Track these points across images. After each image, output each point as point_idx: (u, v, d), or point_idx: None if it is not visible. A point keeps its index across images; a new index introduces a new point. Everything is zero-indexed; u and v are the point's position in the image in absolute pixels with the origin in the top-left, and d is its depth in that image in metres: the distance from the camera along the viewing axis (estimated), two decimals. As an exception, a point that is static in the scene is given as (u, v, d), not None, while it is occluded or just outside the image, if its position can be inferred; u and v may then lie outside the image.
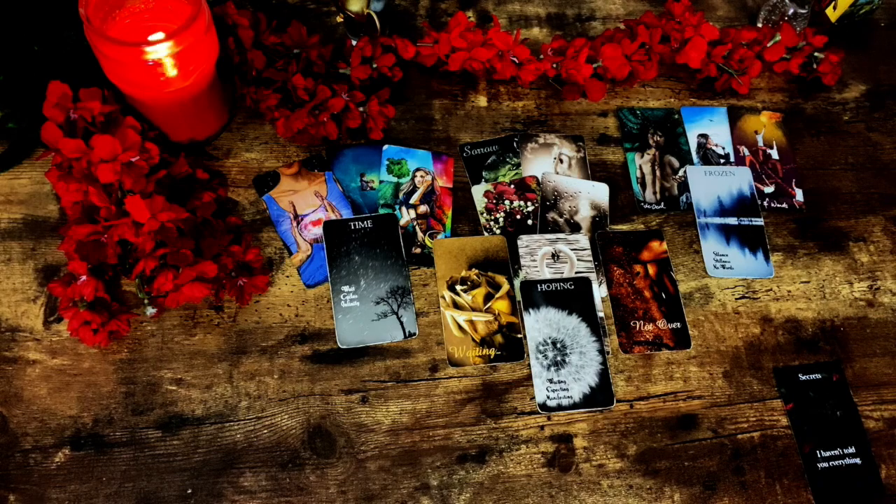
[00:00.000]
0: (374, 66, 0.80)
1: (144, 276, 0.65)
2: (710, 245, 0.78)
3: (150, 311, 0.67)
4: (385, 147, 0.79)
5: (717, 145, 0.85)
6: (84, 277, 0.63)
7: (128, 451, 0.63)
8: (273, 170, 0.77)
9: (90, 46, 0.64)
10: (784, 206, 0.82)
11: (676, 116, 0.86)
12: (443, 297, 0.72)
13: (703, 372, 0.72)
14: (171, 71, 0.65)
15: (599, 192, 0.80)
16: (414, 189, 0.77)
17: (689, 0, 0.87)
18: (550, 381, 0.69)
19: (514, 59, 0.82)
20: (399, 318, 0.71)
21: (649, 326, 0.73)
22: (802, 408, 0.70)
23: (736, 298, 0.76)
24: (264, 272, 0.70)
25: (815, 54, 0.88)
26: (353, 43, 0.81)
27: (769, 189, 0.83)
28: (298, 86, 0.75)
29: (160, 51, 0.62)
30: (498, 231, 0.76)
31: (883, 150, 0.87)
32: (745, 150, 0.85)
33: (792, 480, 0.68)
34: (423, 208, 0.77)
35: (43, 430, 0.63)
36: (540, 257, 0.75)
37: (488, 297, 0.72)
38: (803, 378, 0.71)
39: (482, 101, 0.84)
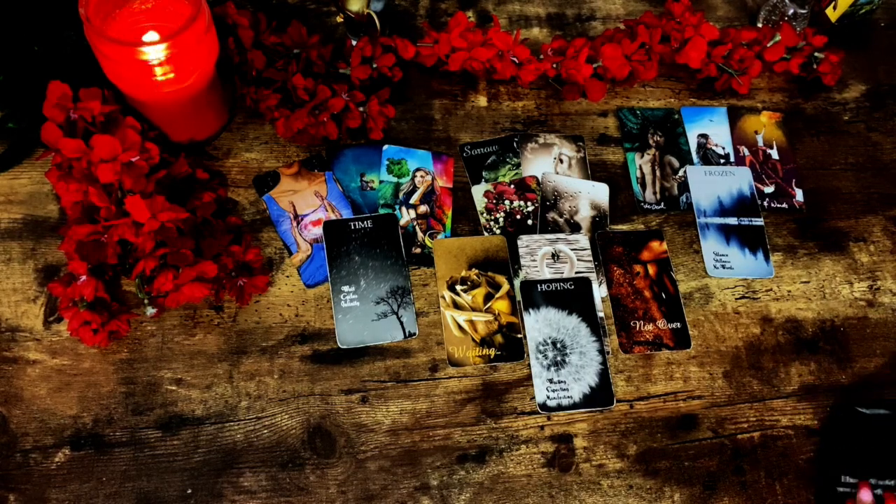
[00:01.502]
0: (374, 66, 0.80)
1: (144, 276, 0.65)
2: (710, 245, 0.78)
3: (150, 311, 0.67)
4: (385, 147, 0.79)
5: (717, 145, 0.85)
6: (84, 277, 0.63)
7: (128, 451, 0.63)
8: (273, 170, 0.77)
9: (90, 46, 0.64)
10: (784, 206, 0.82)
11: (676, 116, 0.86)
12: (443, 297, 0.72)
13: (703, 372, 0.72)
14: (170, 71, 0.65)
15: (599, 192, 0.80)
16: (414, 189, 0.77)
17: (689, 0, 0.87)
18: (550, 381, 0.69)
19: (514, 59, 0.82)
20: (399, 318, 0.71)
21: (649, 326, 0.73)
22: (850, 439, 0.69)
23: (736, 298, 0.76)
24: (264, 272, 0.70)
25: (815, 54, 0.88)
26: (353, 43, 0.81)
27: (769, 189, 0.83)
28: (298, 86, 0.75)
29: (160, 51, 0.62)
30: (498, 231, 0.76)
31: (883, 150, 0.87)
32: (745, 150, 0.85)
33: (792, 480, 0.68)
34: (423, 208, 0.77)
35: (43, 430, 0.63)
36: (540, 257, 0.75)
37: (488, 297, 0.72)
38: (864, 412, 0.70)
39: (482, 101, 0.84)
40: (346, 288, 0.71)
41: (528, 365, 0.70)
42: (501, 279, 0.73)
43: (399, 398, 0.68)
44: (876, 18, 0.98)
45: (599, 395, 0.69)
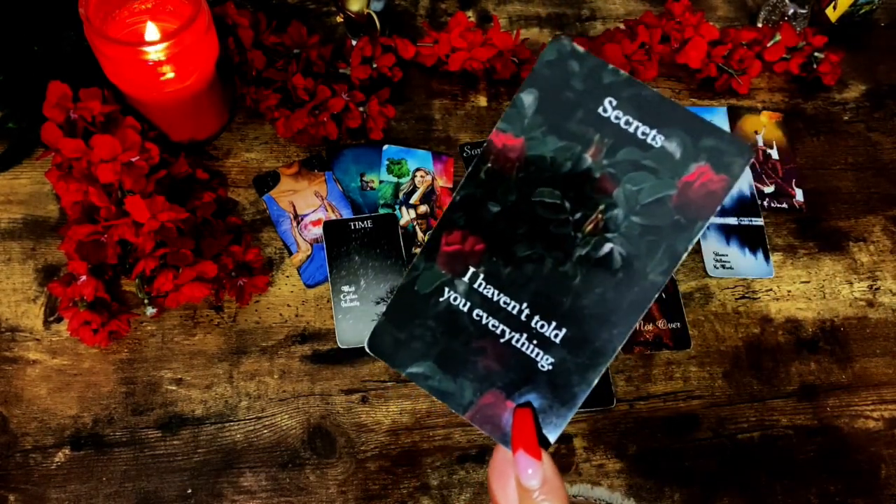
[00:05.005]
0: (374, 66, 0.80)
1: (144, 276, 0.65)
2: (710, 245, 0.78)
3: (150, 311, 0.67)
4: (385, 147, 0.79)
5: (717, 145, 0.85)
6: (84, 277, 0.63)
7: (128, 451, 0.63)
8: (273, 170, 0.77)
9: (90, 46, 0.64)
10: (784, 206, 0.82)
11: (676, 116, 0.86)
12: (443, 297, 0.72)
13: (703, 372, 0.72)
14: (170, 71, 0.65)
15: (599, 192, 0.80)
16: (414, 189, 0.77)
17: (689, 0, 0.87)
18: (550, 381, 0.69)
19: (515, 59, 0.82)
20: (399, 318, 0.70)
21: (649, 326, 0.73)
22: None
23: (736, 298, 0.76)
24: (264, 272, 0.70)
25: (815, 54, 0.88)
26: (353, 43, 0.81)
27: (769, 189, 0.83)
28: (298, 86, 0.75)
29: (160, 51, 0.62)
30: (498, 231, 0.76)
31: (883, 150, 0.87)
32: (745, 150, 0.85)
33: (792, 480, 0.68)
34: (423, 208, 0.77)
35: (43, 430, 0.63)
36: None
37: (488, 297, 0.72)
38: None
39: (482, 101, 0.84)
40: (346, 288, 0.71)
41: (528, 365, 0.70)
42: (501, 279, 0.73)
43: (399, 398, 0.68)
44: (876, 18, 0.98)
45: (599, 395, 0.69)
